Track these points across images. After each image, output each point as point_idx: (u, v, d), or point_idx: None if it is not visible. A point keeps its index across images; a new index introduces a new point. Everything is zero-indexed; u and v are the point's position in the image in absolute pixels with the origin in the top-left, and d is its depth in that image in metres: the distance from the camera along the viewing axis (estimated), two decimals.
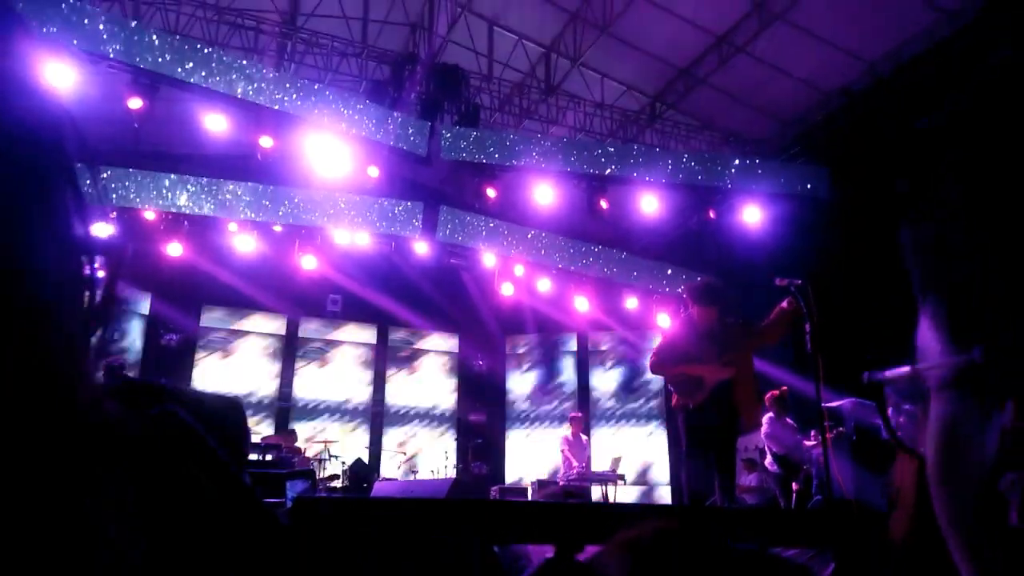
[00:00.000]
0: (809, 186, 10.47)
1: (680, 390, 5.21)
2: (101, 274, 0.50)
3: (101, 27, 7.67)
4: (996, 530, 0.47)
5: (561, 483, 9.31)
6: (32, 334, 0.41)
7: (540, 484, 9.47)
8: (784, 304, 4.89)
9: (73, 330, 0.45)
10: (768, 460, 8.44)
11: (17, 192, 0.42)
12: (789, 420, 8.28)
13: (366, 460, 11.59)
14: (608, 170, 10.23)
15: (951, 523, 0.52)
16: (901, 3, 8.79)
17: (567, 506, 3.96)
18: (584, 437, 10.49)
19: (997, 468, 0.46)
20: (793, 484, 8.22)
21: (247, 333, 12.87)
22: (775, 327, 5.07)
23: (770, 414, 8.12)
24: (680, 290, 10.28)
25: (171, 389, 0.92)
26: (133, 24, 8.18)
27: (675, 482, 12.38)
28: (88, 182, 0.50)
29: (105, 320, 0.50)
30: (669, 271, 12.26)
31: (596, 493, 9.46)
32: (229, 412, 0.92)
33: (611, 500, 9.29)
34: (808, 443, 8.03)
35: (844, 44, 9.72)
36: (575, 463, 9.69)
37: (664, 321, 11.97)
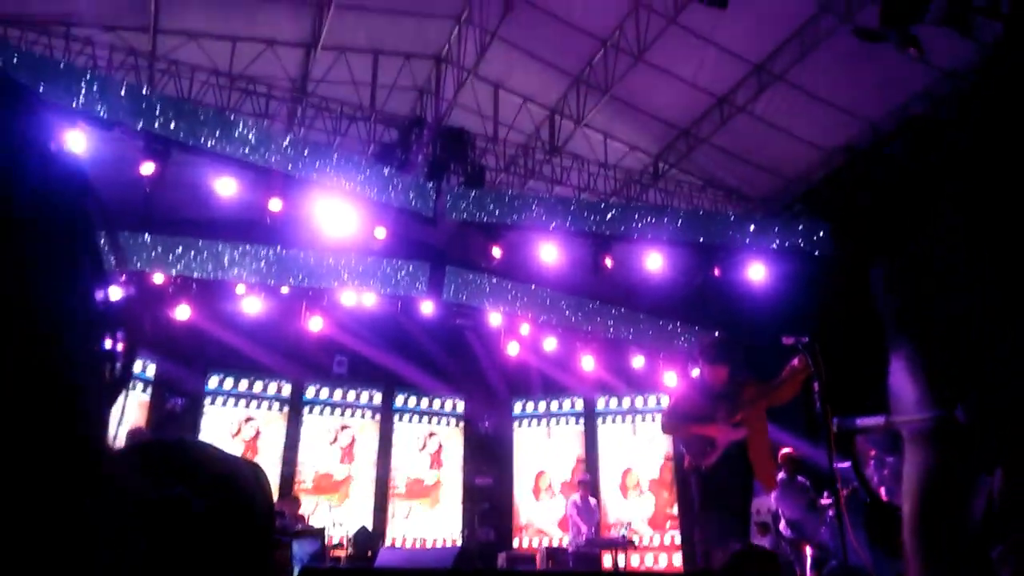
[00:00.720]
0: (812, 242, 10.50)
1: (692, 451, 5.13)
2: (120, 346, 0.50)
3: (114, 95, 7.84)
4: None
5: (570, 549, 9.08)
6: (61, 416, 0.40)
7: (549, 551, 9.23)
8: (795, 362, 4.83)
9: (97, 407, 0.45)
10: (782, 524, 8.24)
11: (44, 268, 0.41)
12: (801, 479, 8.12)
13: (370, 527, 11.36)
14: (612, 228, 10.29)
15: None
16: (900, 63, 8.96)
17: (576, 574, 3.86)
18: (592, 500, 10.28)
19: (985, 536, 0.44)
20: (808, 548, 8.00)
21: (253, 396, 12.77)
22: (787, 385, 5.00)
23: (782, 475, 7.97)
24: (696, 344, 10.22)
25: (191, 448, 0.90)
26: (146, 91, 8.38)
27: (687, 546, 12.07)
28: (107, 249, 0.50)
29: (125, 392, 0.49)
30: (675, 329, 12.21)
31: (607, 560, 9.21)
32: (252, 478, 0.90)
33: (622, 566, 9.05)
34: (823, 502, 7.85)
35: (844, 103, 9.89)
36: (583, 528, 9.47)
37: (671, 380, 11.87)
